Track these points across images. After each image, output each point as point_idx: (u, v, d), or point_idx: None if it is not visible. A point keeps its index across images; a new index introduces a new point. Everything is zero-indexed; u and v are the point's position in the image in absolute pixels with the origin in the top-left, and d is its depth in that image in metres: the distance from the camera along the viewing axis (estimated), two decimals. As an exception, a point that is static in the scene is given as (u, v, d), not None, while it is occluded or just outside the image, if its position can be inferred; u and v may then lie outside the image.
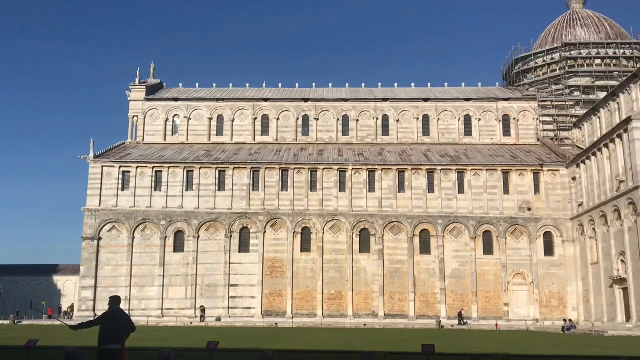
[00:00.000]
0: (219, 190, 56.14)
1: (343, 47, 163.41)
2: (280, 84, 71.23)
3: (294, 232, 54.59)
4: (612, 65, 63.57)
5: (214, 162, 56.89)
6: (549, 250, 53.65)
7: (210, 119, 65.00)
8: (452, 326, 48.40)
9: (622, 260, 44.75)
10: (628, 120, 44.28)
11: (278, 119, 64.87)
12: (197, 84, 71.34)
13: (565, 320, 48.06)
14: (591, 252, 49.96)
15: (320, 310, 52.93)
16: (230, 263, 54.16)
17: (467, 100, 64.54)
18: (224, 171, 56.60)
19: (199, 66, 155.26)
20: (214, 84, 71.26)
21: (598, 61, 63.89)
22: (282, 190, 56.07)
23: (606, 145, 47.74)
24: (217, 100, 65.84)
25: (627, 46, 64.72)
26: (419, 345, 17.10)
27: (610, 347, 25.88)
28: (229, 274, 53.85)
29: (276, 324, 49.52)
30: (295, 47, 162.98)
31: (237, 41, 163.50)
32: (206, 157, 58.27)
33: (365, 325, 49.26)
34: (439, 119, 63.95)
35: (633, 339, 32.37)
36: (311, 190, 56.02)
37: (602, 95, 58.71)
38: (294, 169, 56.45)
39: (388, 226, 54.49)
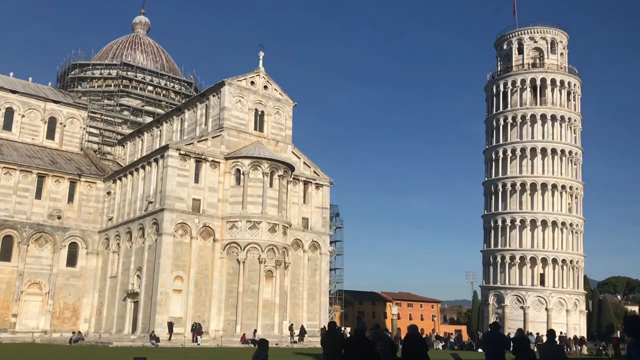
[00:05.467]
0: None
1: None
2: None
3: None
4: (162, 94, 68.84)
5: None
6: (72, 260, 52.97)
7: None
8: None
9: (139, 275, 47.81)
10: (166, 147, 48.31)
11: None
12: None
13: (73, 332, 48.00)
14: (112, 266, 51.75)
15: None
16: None
17: (13, 92, 59.16)
18: None
19: None
20: None
21: (150, 88, 68.29)
22: None
23: (143, 167, 50.82)
24: None
25: (177, 81, 71.41)
26: None
27: (101, 356, 27.03)
28: None
29: None
30: None
31: None
32: None
33: None
34: (-26, 105, 56.44)
35: (132, 349, 34.64)
36: None
37: (149, 120, 62.98)
38: None
39: None
